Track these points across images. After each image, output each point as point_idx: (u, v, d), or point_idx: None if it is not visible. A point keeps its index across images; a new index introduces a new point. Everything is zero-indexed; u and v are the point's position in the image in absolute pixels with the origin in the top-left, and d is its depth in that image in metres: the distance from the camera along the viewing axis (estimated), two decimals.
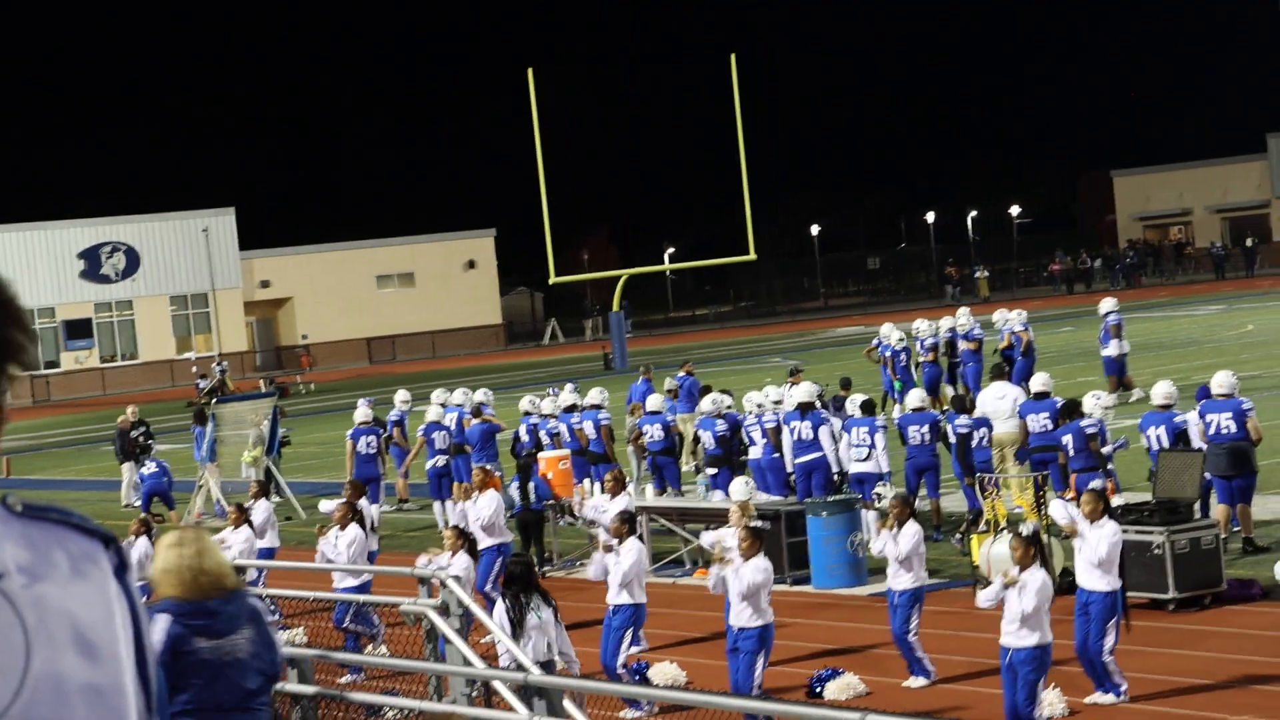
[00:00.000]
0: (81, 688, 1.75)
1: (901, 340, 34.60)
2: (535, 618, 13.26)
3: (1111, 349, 34.42)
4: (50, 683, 1.73)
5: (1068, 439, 20.22)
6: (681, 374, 32.82)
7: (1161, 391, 20.56)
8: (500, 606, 13.34)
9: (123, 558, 1.86)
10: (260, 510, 21.59)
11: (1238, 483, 19.53)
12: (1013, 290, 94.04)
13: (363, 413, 28.66)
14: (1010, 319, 34.47)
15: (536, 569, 14.02)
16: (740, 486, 19.88)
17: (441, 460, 27.02)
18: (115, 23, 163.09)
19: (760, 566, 14.31)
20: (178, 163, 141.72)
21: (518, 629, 13.16)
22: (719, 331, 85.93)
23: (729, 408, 24.87)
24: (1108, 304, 35.51)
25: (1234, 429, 19.55)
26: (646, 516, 21.76)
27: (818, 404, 23.29)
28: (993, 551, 16.67)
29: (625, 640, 15.87)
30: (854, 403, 23.44)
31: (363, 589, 17.75)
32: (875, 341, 37.03)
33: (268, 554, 21.39)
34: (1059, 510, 15.53)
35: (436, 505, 27.10)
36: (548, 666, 12.76)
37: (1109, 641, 14.30)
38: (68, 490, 38.81)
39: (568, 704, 10.37)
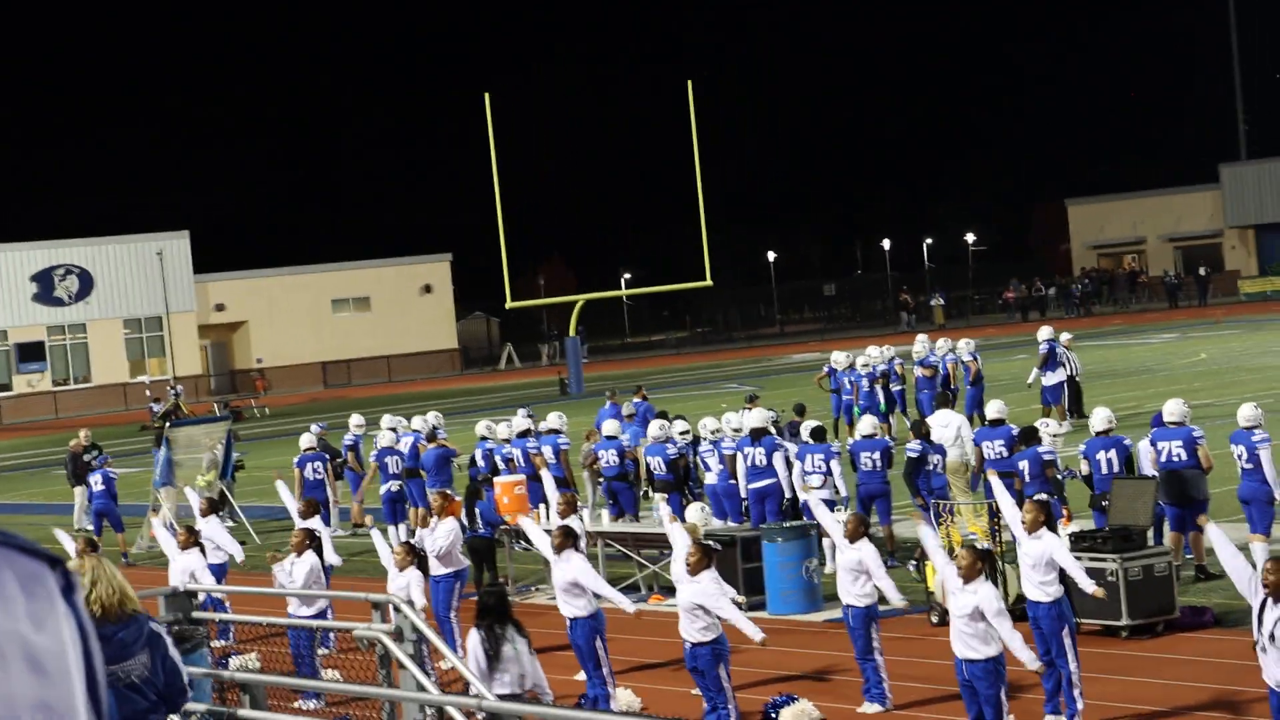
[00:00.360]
0: (33, 705, 1.76)
1: (866, 365, 34.83)
2: (511, 649, 13.14)
3: (1049, 378, 34.70)
4: (2, 702, 1.74)
5: (1024, 464, 20.29)
6: (636, 399, 32.86)
7: (1103, 416, 20.68)
8: (475, 638, 13.20)
9: (69, 579, 1.86)
10: (211, 526, 21.52)
11: (1190, 510, 19.63)
12: (968, 317, 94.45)
13: (308, 439, 28.77)
14: (940, 348, 34.86)
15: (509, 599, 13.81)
16: (696, 513, 19.93)
17: (395, 485, 27.01)
18: (70, 44, 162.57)
19: (706, 581, 14.34)
20: (132, 185, 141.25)
21: (494, 661, 13.03)
22: (675, 357, 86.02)
23: (684, 433, 24.90)
24: (1044, 332, 35.87)
25: (1185, 457, 19.67)
26: (602, 542, 21.74)
27: (771, 429, 23.33)
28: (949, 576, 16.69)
29: (600, 650, 15.93)
30: (806, 429, 23.48)
31: (320, 617, 17.67)
32: (826, 369, 37.23)
33: (218, 571, 21.28)
34: (1005, 503, 15.62)
35: (390, 529, 27.07)
36: (517, 699, 12.68)
37: (1070, 656, 14.30)
38: (20, 514, 38.54)
39: None
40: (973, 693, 13.18)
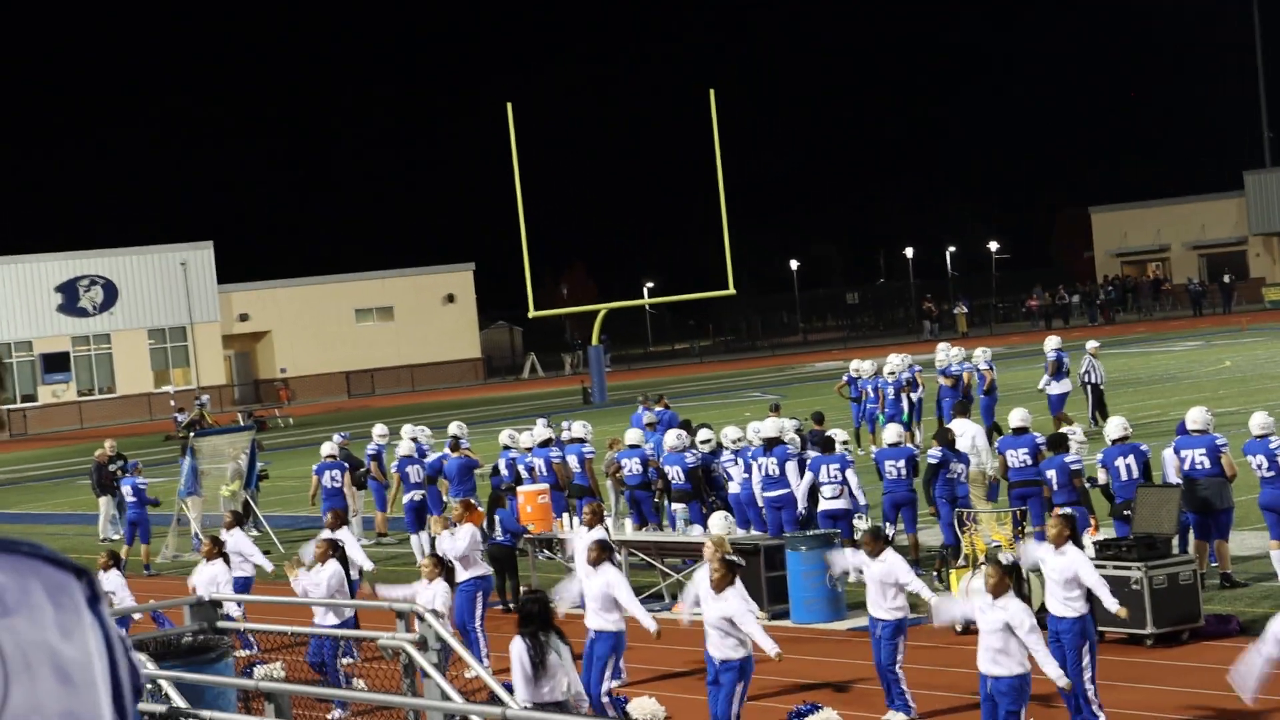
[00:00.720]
0: (60, 715, 1.77)
1: (891, 374, 34.81)
2: (555, 657, 13.00)
3: (1055, 387, 34.64)
4: (31, 712, 1.74)
5: (1051, 473, 20.24)
6: (659, 408, 32.90)
7: (1119, 424, 20.66)
8: (520, 646, 13.10)
9: (95, 589, 1.88)
10: (232, 541, 21.58)
11: (1214, 519, 19.58)
12: (991, 325, 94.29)
13: (329, 447, 29.00)
14: (954, 356, 34.83)
15: (551, 605, 13.69)
16: (719, 522, 19.90)
17: (418, 494, 27.10)
18: (92, 55, 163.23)
19: (732, 599, 14.30)
20: (156, 196, 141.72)
21: (539, 669, 12.93)
22: (698, 366, 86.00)
23: (705, 442, 24.89)
24: (1052, 342, 35.85)
25: (1208, 465, 19.62)
26: (625, 551, 21.74)
27: (785, 439, 23.27)
28: (971, 585, 16.66)
29: (607, 670, 15.86)
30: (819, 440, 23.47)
31: (345, 626, 17.70)
32: (846, 377, 37.21)
33: (243, 583, 21.34)
34: (1031, 551, 15.51)
35: (414, 539, 27.18)
36: (564, 707, 12.64)
37: (1087, 671, 14.27)
38: (45, 524, 38.67)
39: None
40: (993, 707, 13.14)
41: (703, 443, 24.81)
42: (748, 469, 23.34)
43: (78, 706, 1.78)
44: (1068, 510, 18.35)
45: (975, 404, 33.87)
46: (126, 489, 29.79)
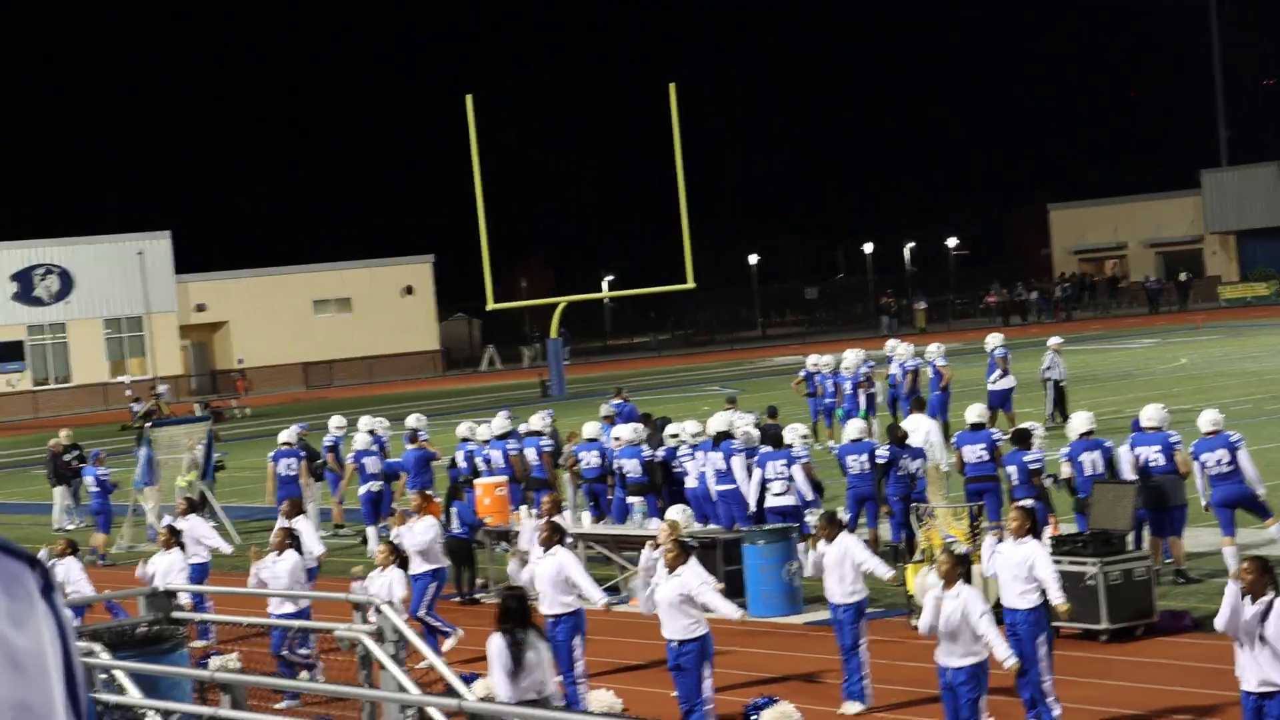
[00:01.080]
0: (12, 705, 1.77)
1: (849, 369, 34.86)
2: (534, 655, 12.85)
3: (998, 383, 34.71)
4: None
5: (1012, 469, 20.30)
6: (617, 401, 32.87)
7: (1085, 418, 20.79)
8: (500, 643, 12.91)
9: (48, 579, 1.86)
10: (192, 523, 21.53)
11: (1168, 515, 19.70)
12: (949, 321, 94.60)
13: (286, 435, 29.04)
14: (901, 353, 34.95)
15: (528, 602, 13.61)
16: (678, 514, 19.94)
17: (375, 485, 27.06)
18: (49, 43, 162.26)
19: (686, 574, 14.36)
20: (113, 185, 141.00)
21: (518, 667, 12.76)
22: (656, 359, 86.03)
23: (674, 436, 24.81)
24: (994, 339, 36.00)
25: (1163, 462, 19.75)
26: (583, 544, 21.74)
27: (735, 433, 23.26)
28: (928, 580, 16.70)
29: (575, 652, 15.89)
30: (768, 435, 23.46)
31: (301, 615, 17.65)
32: (802, 373, 37.28)
33: (199, 570, 21.27)
34: (987, 553, 15.45)
35: (370, 530, 27.13)
36: (544, 704, 12.57)
37: (1043, 662, 14.31)
38: None
39: None
40: (954, 696, 13.18)
41: (670, 436, 24.78)
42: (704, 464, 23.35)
43: (29, 696, 1.77)
44: (1028, 502, 18.38)
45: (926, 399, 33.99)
46: (89, 479, 29.69)
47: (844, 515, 21.26)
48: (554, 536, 16.14)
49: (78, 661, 1.85)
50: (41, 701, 1.78)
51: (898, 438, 22.60)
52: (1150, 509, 19.67)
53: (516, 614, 12.98)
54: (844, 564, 15.59)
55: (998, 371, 34.72)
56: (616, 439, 25.01)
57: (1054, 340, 37.08)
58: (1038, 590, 14.45)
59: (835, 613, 15.73)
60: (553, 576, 15.94)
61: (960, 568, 13.28)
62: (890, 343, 36.97)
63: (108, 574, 26.65)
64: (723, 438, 22.93)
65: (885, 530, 22.88)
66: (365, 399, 66.26)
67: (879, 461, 22.09)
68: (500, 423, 27.09)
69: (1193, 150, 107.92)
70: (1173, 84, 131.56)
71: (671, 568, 14.44)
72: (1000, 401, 34.14)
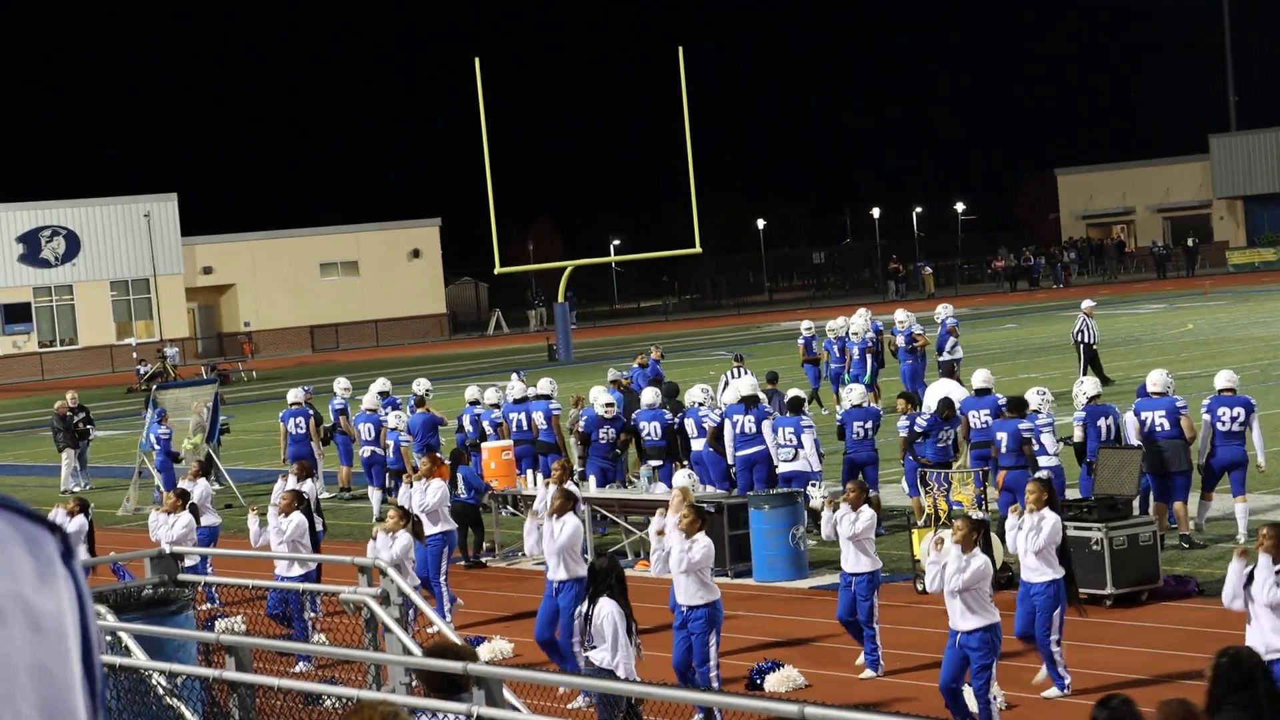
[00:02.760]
0: (30, 666, 1.78)
1: (857, 334, 34.77)
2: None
3: (953, 353, 34.57)
4: (1, 663, 1.75)
5: (1002, 436, 20.23)
6: (653, 358, 32.86)
7: (1094, 383, 20.86)
8: (614, 607, 13.03)
9: (68, 544, 1.88)
10: (198, 490, 21.54)
11: (1173, 481, 19.74)
12: (956, 286, 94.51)
13: (295, 394, 29.16)
14: (909, 319, 34.92)
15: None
16: (682, 479, 19.97)
17: (375, 449, 27.11)
18: (56, 8, 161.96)
19: (703, 543, 14.45)
20: (120, 147, 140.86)
21: (630, 635, 13.01)
22: (664, 324, 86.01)
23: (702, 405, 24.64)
24: (944, 309, 35.89)
25: (1168, 427, 19.76)
26: (589, 508, 21.77)
27: (761, 396, 23.36)
28: (944, 547, 16.73)
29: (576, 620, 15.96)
30: (787, 398, 23.48)
31: (307, 578, 17.68)
32: (801, 340, 37.29)
33: (208, 533, 21.29)
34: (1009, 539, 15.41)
35: (371, 492, 27.22)
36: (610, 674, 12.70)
37: (1054, 633, 14.40)
38: (5, 475, 38.52)
39: (507, 693, 10.37)
40: (958, 659, 13.20)
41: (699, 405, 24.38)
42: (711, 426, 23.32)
43: (48, 659, 1.78)
44: (1044, 474, 18.28)
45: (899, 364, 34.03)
46: (152, 437, 29.63)
47: (820, 489, 21.20)
48: (566, 504, 16.19)
49: (94, 627, 1.86)
50: (60, 665, 1.79)
51: (946, 410, 22.22)
52: (1154, 474, 19.70)
53: (608, 579, 13.15)
54: (865, 534, 15.62)
55: (951, 340, 34.67)
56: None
57: (1086, 303, 37.14)
58: (1056, 561, 14.52)
59: (847, 579, 15.74)
60: (564, 544, 16.01)
61: (975, 533, 13.32)
62: (900, 312, 36.84)
63: (115, 535, 26.72)
64: (753, 402, 22.90)
65: (885, 494, 22.85)
66: (371, 362, 66.31)
67: (917, 429, 21.84)
68: (516, 387, 27.07)
69: (1201, 115, 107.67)
70: (1181, 49, 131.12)
71: (690, 533, 14.50)
72: (949, 372, 34.07)
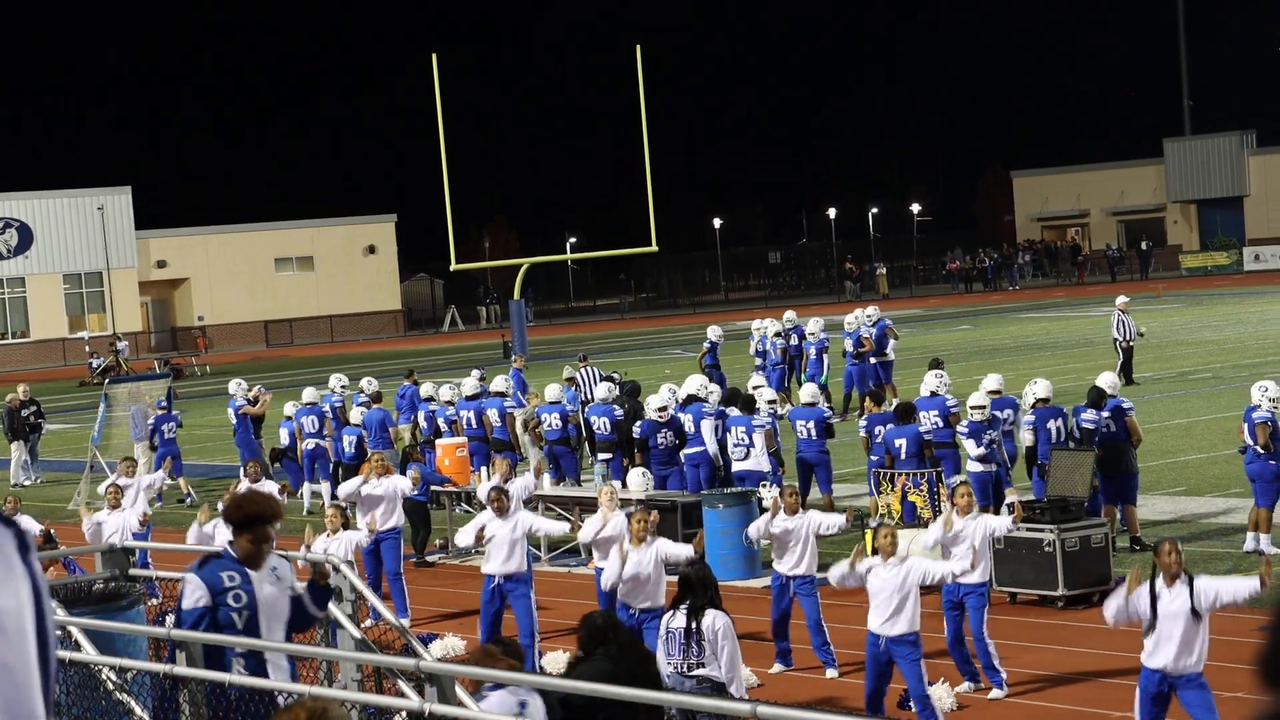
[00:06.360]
0: None
1: (814, 335, 34.77)
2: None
3: (882, 356, 34.56)
4: None
5: (901, 442, 20.35)
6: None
7: (1047, 386, 20.89)
8: (726, 620, 12.41)
9: (24, 539, 1.87)
10: (145, 481, 21.45)
11: (1116, 482, 19.83)
12: (911, 287, 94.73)
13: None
14: (869, 316, 34.88)
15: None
16: (637, 479, 20.00)
17: (313, 444, 27.04)
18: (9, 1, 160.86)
19: (658, 549, 14.56)
20: (74, 139, 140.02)
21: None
22: (619, 322, 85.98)
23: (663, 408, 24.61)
24: (868, 313, 35.72)
25: (1114, 429, 19.90)
26: (543, 505, 21.77)
27: (703, 395, 23.30)
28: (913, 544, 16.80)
29: (532, 608, 16.09)
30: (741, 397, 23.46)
31: None
32: (756, 338, 37.32)
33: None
34: (934, 532, 15.50)
35: (305, 487, 27.14)
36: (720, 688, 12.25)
37: (986, 632, 14.55)
38: None
39: (460, 692, 10.36)
40: (880, 666, 13.27)
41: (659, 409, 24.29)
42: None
43: (9, 656, 1.77)
44: (959, 478, 18.41)
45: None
46: (164, 426, 29.32)
47: (770, 489, 21.21)
48: (505, 501, 16.35)
49: (50, 623, 1.86)
50: (20, 662, 1.78)
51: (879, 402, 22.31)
52: (1102, 474, 19.80)
53: (700, 588, 12.42)
54: (805, 535, 15.69)
55: (891, 341, 34.72)
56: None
57: (1121, 300, 37.05)
58: (985, 563, 14.71)
59: (781, 583, 15.85)
60: (509, 540, 16.12)
61: (896, 542, 13.49)
62: (855, 313, 36.77)
63: (65, 530, 26.53)
64: (690, 401, 22.91)
65: (844, 493, 22.91)
66: (326, 358, 66.09)
67: (926, 437, 21.73)
68: (470, 384, 27.01)
69: (1156, 119, 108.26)
70: (1135, 53, 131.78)
71: (639, 540, 14.59)
72: (886, 376, 34.03)
